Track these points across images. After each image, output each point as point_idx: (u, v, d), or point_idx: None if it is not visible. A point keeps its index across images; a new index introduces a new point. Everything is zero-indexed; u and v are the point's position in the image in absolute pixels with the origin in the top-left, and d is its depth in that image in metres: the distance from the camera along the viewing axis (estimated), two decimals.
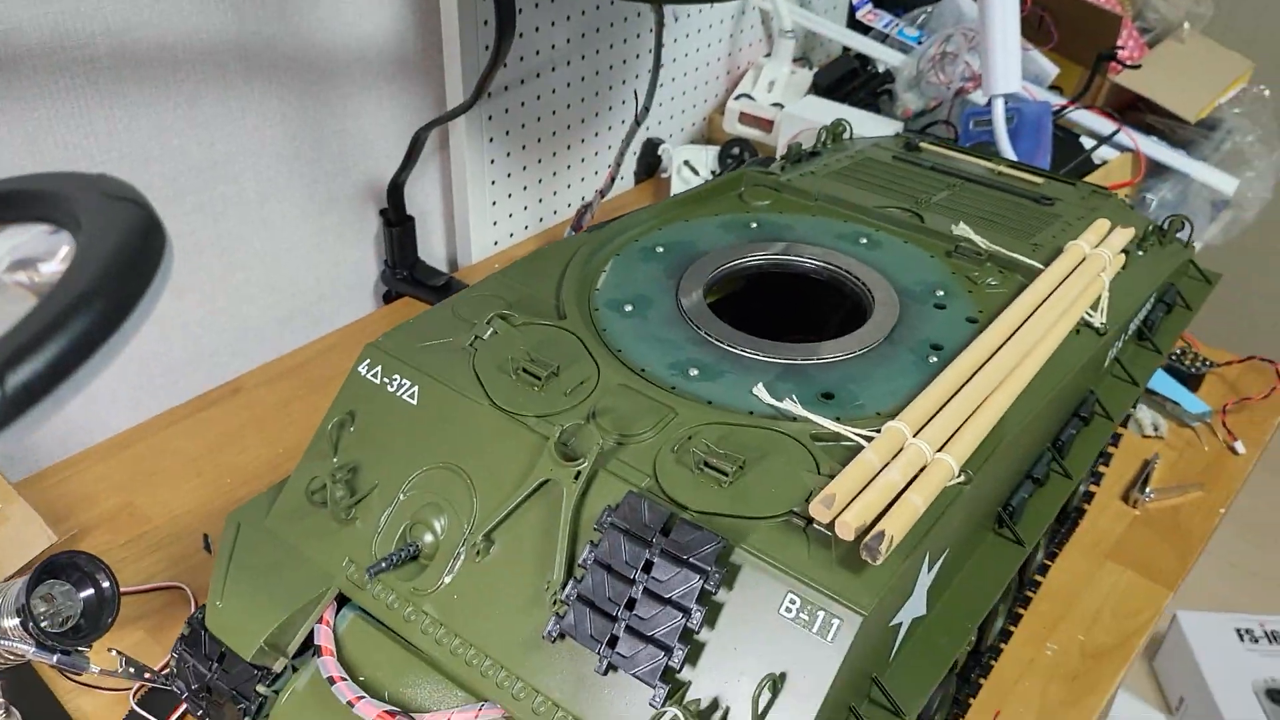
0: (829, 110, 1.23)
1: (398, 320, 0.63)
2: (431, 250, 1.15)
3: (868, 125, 1.21)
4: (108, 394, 0.91)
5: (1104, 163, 1.27)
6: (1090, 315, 0.66)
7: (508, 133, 1.12)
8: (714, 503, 0.49)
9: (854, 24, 1.51)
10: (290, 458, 0.87)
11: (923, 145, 0.90)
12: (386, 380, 0.59)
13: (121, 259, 0.25)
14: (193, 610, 0.73)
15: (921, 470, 0.51)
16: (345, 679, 0.53)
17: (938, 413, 0.54)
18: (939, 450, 0.52)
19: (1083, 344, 0.65)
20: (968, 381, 0.56)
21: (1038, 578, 0.78)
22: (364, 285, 1.10)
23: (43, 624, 0.54)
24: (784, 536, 0.48)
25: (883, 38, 1.44)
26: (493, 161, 1.12)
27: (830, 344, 0.61)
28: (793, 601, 0.46)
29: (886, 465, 0.50)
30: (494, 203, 1.14)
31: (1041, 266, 0.68)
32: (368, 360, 0.60)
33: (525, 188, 1.18)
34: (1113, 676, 0.72)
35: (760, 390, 0.56)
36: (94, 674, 0.57)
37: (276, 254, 1.00)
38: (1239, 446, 0.92)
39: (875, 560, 0.46)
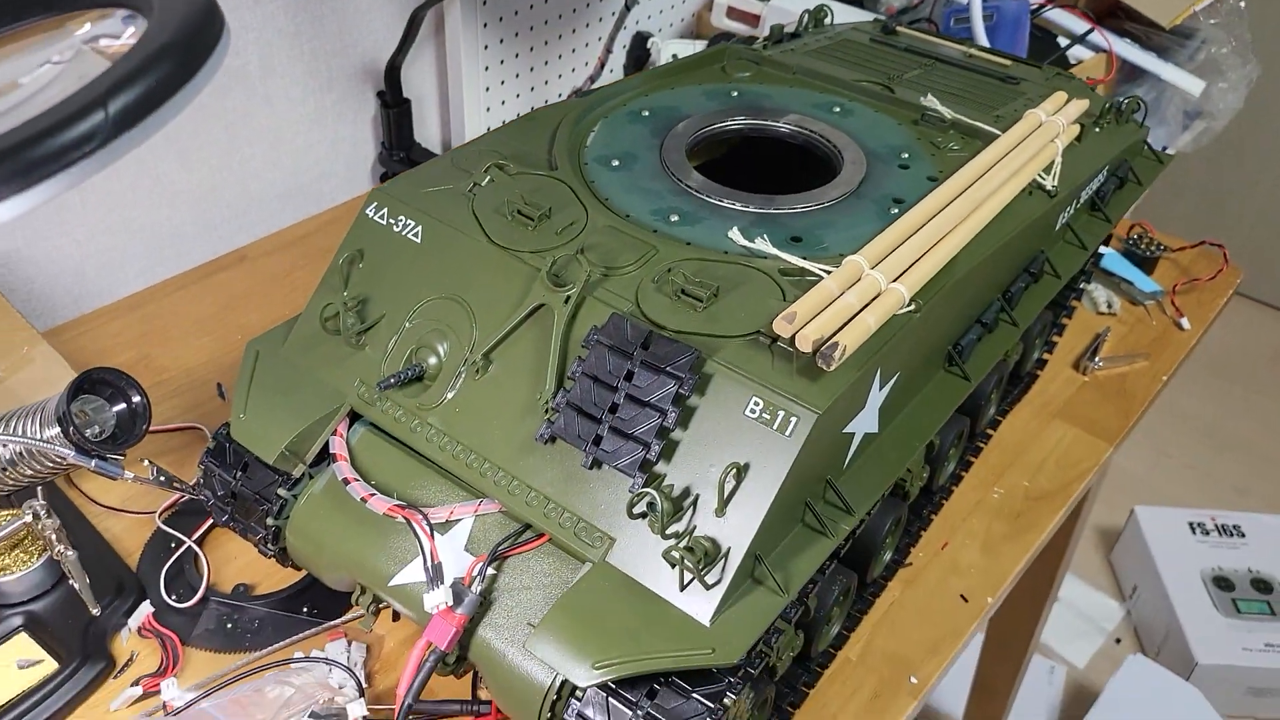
0: (812, 4, 1.26)
1: (413, 169, 0.68)
2: (427, 133, 1.19)
3: (851, 17, 1.24)
4: (120, 257, 0.96)
5: (1078, 62, 1.31)
6: (1043, 178, 0.72)
7: (501, 19, 1.15)
8: (689, 324, 0.55)
9: None
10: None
11: (899, 29, 0.94)
12: (393, 221, 0.64)
13: (190, 25, 0.30)
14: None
15: (876, 298, 0.56)
16: (358, 479, 0.59)
17: (894, 251, 0.60)
18: (892, 281, 0.57)
19: (1034, 203, 0.70)
20: (923, 227, 0.62)
21: (990, 431, 0.85)
22: (362, 165, 1.15)
23: (86, 432, 0.60)
24: (751, 351, 0.54)
25: None
26: (486, 47, 1.15)
27: (800, 196, 0.66)
28: (756, 404, 0.52)
29: (845, 292, 0.56)
30: (487, 89, 1.18)
31: (1000, 133, 0.73)
32: (375, 203, 0.65)
33: (518, 75, 1.21)
34: (1050, 516, 0.79)
35: (734, 233, 0.61)
36: (126, 479, 0.63)
37: (279, 130, 1.04)
38: (1184, 323, 0.98)
39: (829, 366, 0.52)
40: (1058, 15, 1.32)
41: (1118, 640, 1.81)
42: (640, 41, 1.36)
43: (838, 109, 0.77)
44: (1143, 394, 0.91)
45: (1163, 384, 0.93)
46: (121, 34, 0.32)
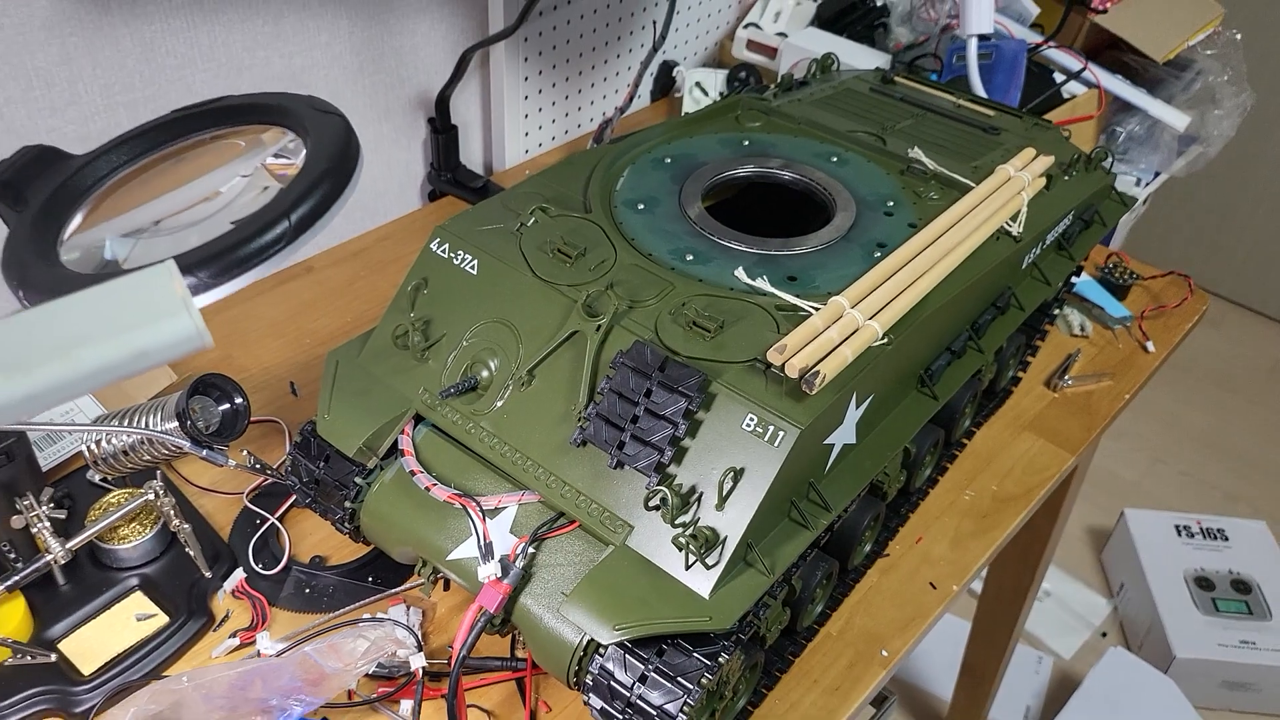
0: (825, 41, 1.37)
1: (442, 216, 0.80)
2: (471, 155, 1.32)
3: (859, 56, 1.35)
4: None
5: (1073, 97, 1.41)
6: (1010, 225, 0.83)
7: (540, 53, 1.27)
8: (699, 350, 0.67)
9: None
10: (357, 324, 1.05)
11: (896, 79, 1.06)
12: (452, 255, 0.76)
13: (339, 150, 0.42)
14: (288, 436, 0.92)
15: (854, 332, 0.68)
16: (422, 471, 0.71)
17: (873, 292, 0.71)
18: (869, 319, 0.69)
19: (1000, 247, 0.81)
20: (899, 270, 0.74)
21: (965, 441, 0.96)
22: (413, 184, 1.27)
23: (197, 425, 0.72)
24: (749, 375, 0.66)
25: None
26: (526, 79, 1.27)
27: (797, 240, 0.78)
28: (752, 419, 0.64)
29: (829, 327, 0.68)
30: (526, 115, 1.30)
31: (974, 185, 0.84)
32: (438, 239, 0.77)
33: (554, 103, 1.33)
34: (1014, 517, 0.91)
35: (740, 272, 0.73)
36: (230, 467, 0.75)
37: None
38: (1150, 346, 1.09)
39: (811, 390, 0.63)
40: (1055, 54, 1.43)
41: (1104, 634, 1.92)
42: (666, 70, 1.48)
43: (835, 158, 0.88)
44: (1105, 410, 1.02)
45: (1124, 402, 1.04)
46: (288, 154, 0.44)
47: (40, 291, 0.37)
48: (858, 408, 0.69)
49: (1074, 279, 1.08)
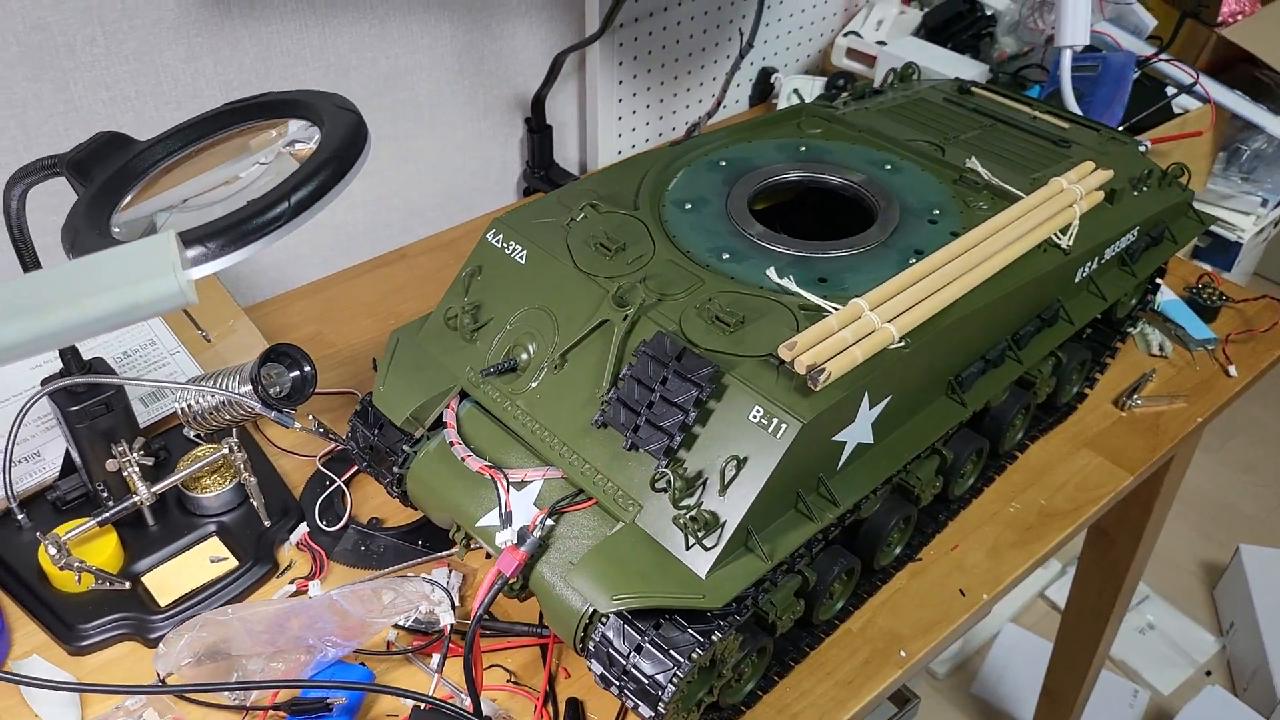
0: (925, 50, 1.37)
1: (528, 202, 0.86)
2: (565, 154, 1.38)
3: (958, 67, 1.35)
4: (309, 251, 1.18)
5: (1184, 112, 1.37)
6: (1059, 238, 0.83)
7: (635, 58, 1.32)
8: (717, 344, 0.70)
9: None
10: None
11: (974, 89, 1.06)
12: (505, 245, 0.81)
13: (346, 142, 0.47)
14: None
15: (870, 334, 0.70)
16: (461, 443, 0.77)
17: (896, 296, 0.73)
18: (888, 321, 0.71)
19: (1046, 259, 0.81)
20: (928, 275, 0.75)
21: (1016, 453, 0.96)
22: (508, 180, 1.34)
23: (270, 390, 0.80)
24: (761, 369, 0.68)
25: None
26: (621, 82, 1.32)
27: (836, 243, 0.80)
28: (758, 411, 0.67)
29: (843, 328, 0.70)
30: (620, 117, 1.35)
31: (1024, 196, 0.84)
32: (494, 230, 0.82)
33: (648, 105, 1.38)
34: (1058, 532, 0.90)
35: (771, 271, 0.76)
36: (295, 428, 0.83)
37: (440, 150, 1.24)
38: (1232, 370, 1.06)
39: (815, 386, 0.66)
40: (1167, 66, 1.38)
41: (1208, 673, 1.84)
42: (764, 76, 1.50)
43: (889, 166, 0.89)
44: (1174, 433, 0.99)
45: (1196, 425, 1.01)
46: (308, 140, 0.50)
47: (85, 253, 0.44)
48: (872, 408, 0.71)
49: (1151, 296, 1.05)
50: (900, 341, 0.71)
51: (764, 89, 1.51)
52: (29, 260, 0.68)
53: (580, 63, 1.31)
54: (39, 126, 0.95)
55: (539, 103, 1.26)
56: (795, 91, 1.45)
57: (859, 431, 0.72)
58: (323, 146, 0.47)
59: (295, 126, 0.51)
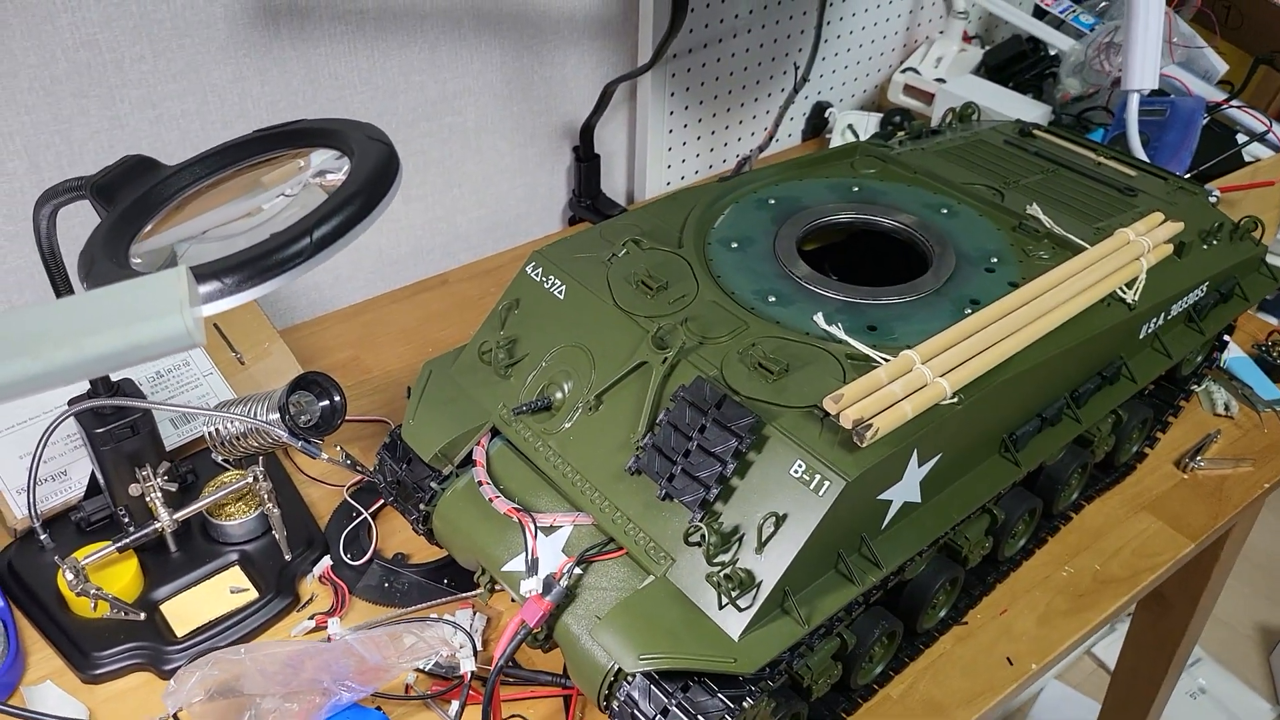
0: (985, 89, 1.34)
1: (568, 236, 0.83)
2: (613, 184, 1.36)
3: (1020, 107, 1.31)
4: (349, 273, 1.17)
5: (1255, 160, 1.31)
6: (1124, 292, 0.78)
7: (687, 89, 1.30)
8: (759, 392, 0.67)
9: (1037, 8, 1.58)
10: None
11: (1036, 132, 1.02)
12: (544, 279, 0.79)
13: (375, 176, 0.45)
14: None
15: (921, 389, 0.66)
16: (490, 483, 0.74)
17: (950, 348, 0.69)
18: (940, 376, 0.67)
19: (1110, 314, 0.77)
20: (985, 328, 0.71)
21: (1071, 514, 0.91)
22: (554, 208, 1.32)
23: (298, 419, 0.78)
24: (804, 421, 0.65)
25: (1058, 23, 1.51)
26: (671, 113, 1.30)
27: (887, 289, 0.77)
28: (800, 465, 0.63)
29: (893, 381, 0.66)
30: (669, 149, 1.33)
31: (1089, 246, 0.80)
32: (533, 263, 0.80)
33: (699, 138, 1.35)
34: (1114, 600, 0.85)
35: (817, 317, 0.73)
36: (322, 459, 0.81)
37: (486, 176, 1.23)
38: None
39: (861, 443, 0.62)
40: (1236, 113, 1.33)
41: None
42: (818, 111, 1.47)
43: (945, 210, 0.86)
44: (1238, 499, 0.94)
45: (1263, 491, 0.95)
46: (338, 170, 0.48)
47: (99, 284, 0.43)
48: (920, 466, 0.68)
49: (1218, 353, 1.00)
50: (953, 397, 0.67)
51: (817, 124, 1.48)
52: (59, 281, 0.67)
53: (631, 92, 1.29)
54: (85, 143, 0.94)
55: (588, 131, 1.24)
56: (850, 127, 1.42)
57: (906, 490, 0.68)
58: (350, 180, 0.45)
59: (324, 156, 0.49)
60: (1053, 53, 1.47)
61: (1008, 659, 0.81)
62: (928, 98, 1.42)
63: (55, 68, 0.89)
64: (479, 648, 0.78)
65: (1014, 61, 1.45)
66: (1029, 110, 1.29)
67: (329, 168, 0.49)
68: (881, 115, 1.43)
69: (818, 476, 0.62)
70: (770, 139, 1.25)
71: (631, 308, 0.74)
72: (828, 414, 0.65)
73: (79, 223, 0.95)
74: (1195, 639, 1.28)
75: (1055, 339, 0.73)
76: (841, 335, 0.71)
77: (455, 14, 1.10)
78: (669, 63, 1.24)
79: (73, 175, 0.93)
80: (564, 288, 0.78)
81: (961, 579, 0.80)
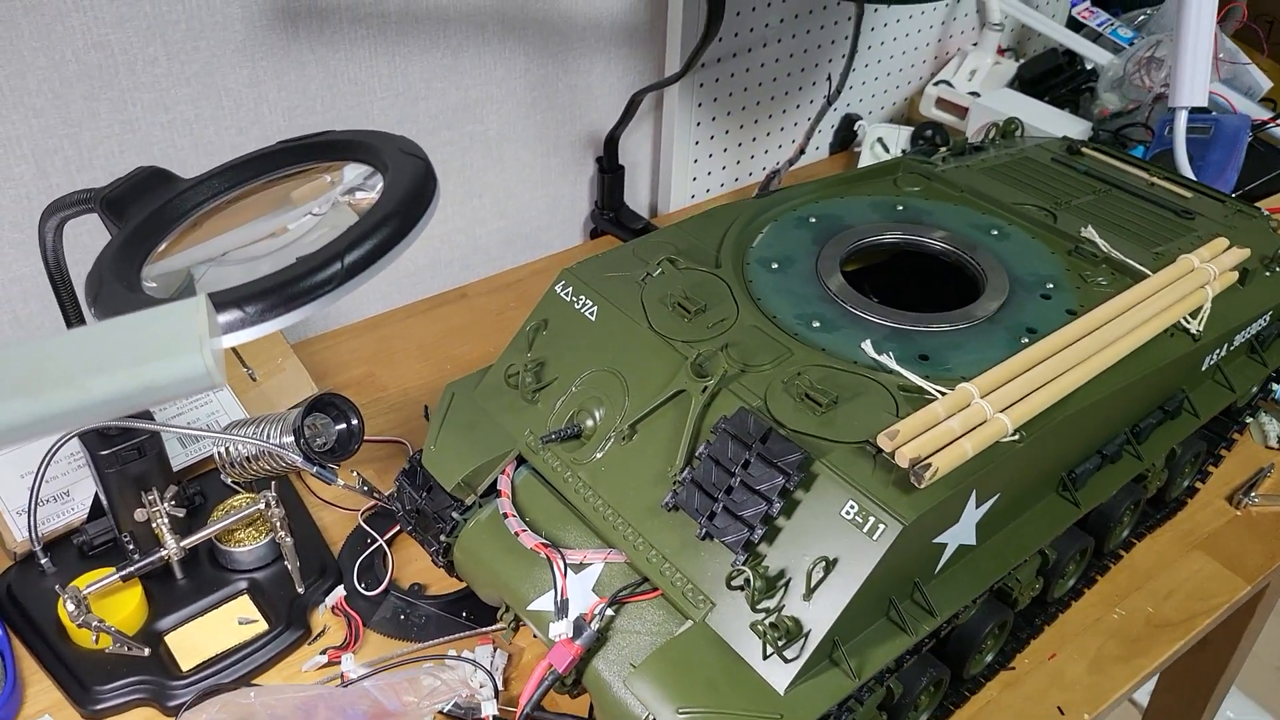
0: (1020, 104, 1.29)
1: (600, 253, 0.79)
2: (636, 196, 1.32)
3: (1057, 122, 1.27)
4: (364, 286, 1.12)
5: None
6: (1188, 322, 0.74)
7: (715, 100, 1.26)
8: (806, 425, 0.63)
9: (1071, 20, 1.54)
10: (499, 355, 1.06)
11: (1084, 150, 0.98)
12: (574, 299, 0.75)
13: (411, 195, 0.41)
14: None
15: (980, 425, 0.62)
16: (515, 515, 0.70)
17: (1010, 381, 0.65)
18: (1000, 411, 0.63)
19: (1173, 346, 0.73)
20: (1045, 360, 0.67)
21: (1122, 552, 0.87)
22: (575, 220, 1.28)
23: (313, 443, 0.74)
24: (856, 458, 0.61)
25: (1095, 36, 1.47)
26: (699, 124, 1.26)
27: (937, 315, 0.72)
28: (852, 506, 0.59)
29: (951, 416, 0.62)
30: (695, 160, 1.29)
31: (1150, 273, 0.76)
32: (563, 282, 0.76)
33: (725, 150, 1.31)
34: (1169, 646, 0.81)
35: (866, 345, 0.68)
36: (338, 486, 0.77)
37: (507, 186, 1.19)
38: None
39: (919, 484, 0.58)
40: None
41: None
42: (848, 124, 1.43)
43: (995, 231, 0.82)
44: None
45: None
46: (370, 189, 0.44)
47: (107, 311, 0.39)
48: (978, 507, 0.63)
49: (1274, 385, 0.96)
50: (1014, 435, 0.63)
51: (845, 137, 1.44)
52: (65, 296, 0.63)
53: (657, 102, 1.25)
54: (95, 148, 0.90)
55: (612, 142, 1.20)
56: (879, 141, 1.38)
57: (962, 533, 0.64)
58: (384, 199, 0.41)
59: (355, 172, 0.45)
60: (1089, 67, 1.42)
61: (1059, 709, 0.76)
62: (961, 111, 1.38)
63: (65, 69, 0.86)
64: (500, 688, 0.74)
65: (1050, 75, 1.41)
66: (1069, 126, 1.25)
67: (360, 185, 0.45)
68: (912, 129, 1.39)
69: (871, 519, 0.58)
70: (800, 151, 1.21)
71: (668, 331, 0.70)
72: (881, 450, 0.60)
73: (86, 230, 0.91)
74: (1233, 679, 1.23)
75: (1119, 372, 0.69)
76: (893, 365, 0.67)
77: (480, 19, 1.06)
78: (697, 72, 1.20)
79: (81, 181, 0.90)
80: (595, 308, 0.74)
81: (1011, 622, 0.76)
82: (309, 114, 1.01)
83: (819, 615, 0.59)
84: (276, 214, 0.46)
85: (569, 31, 1.13)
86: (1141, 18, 1.47)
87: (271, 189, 0.47)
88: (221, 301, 0.37)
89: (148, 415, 0.74)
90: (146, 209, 0.45)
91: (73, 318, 0.65)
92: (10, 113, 0.85)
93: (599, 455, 0.69)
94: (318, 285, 0.38)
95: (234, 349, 0.94)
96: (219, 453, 0.80)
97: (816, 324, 0.72)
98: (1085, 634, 0.81)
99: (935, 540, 0.62)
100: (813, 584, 0.59)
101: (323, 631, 0.79)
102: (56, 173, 0.89)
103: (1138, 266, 0.77)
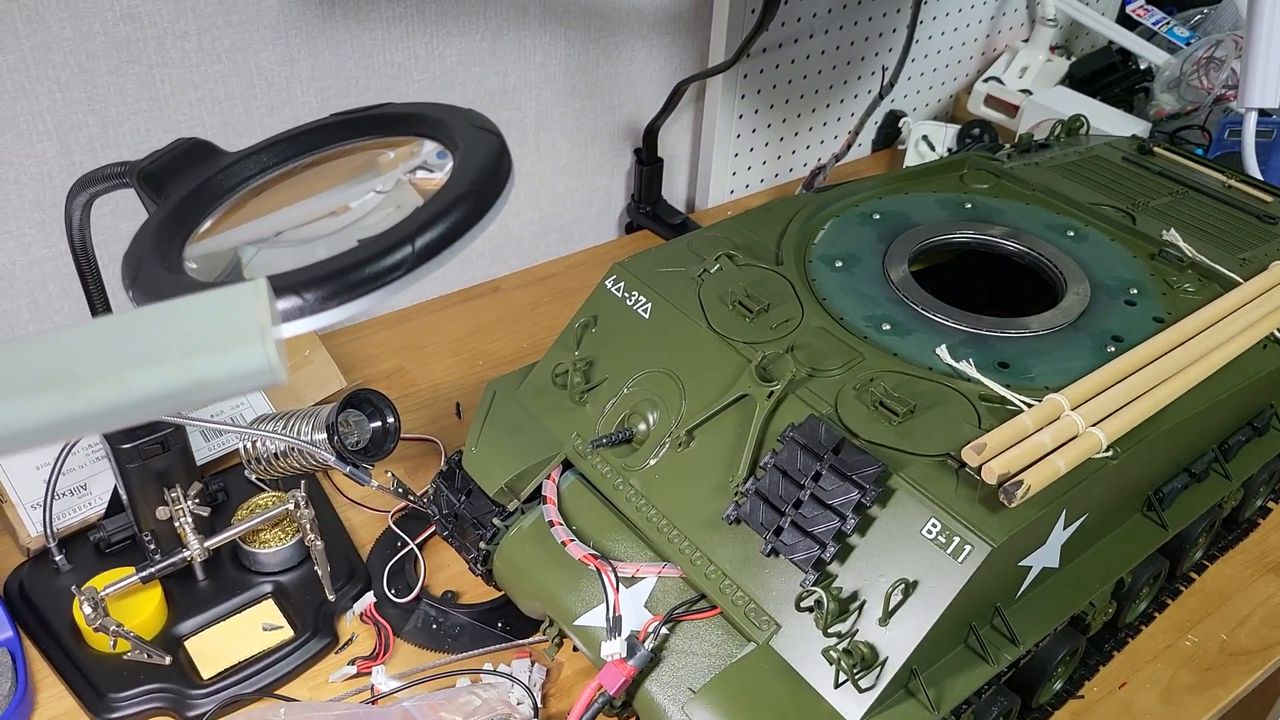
0: (1076, 102, 1.25)
1: (636, 248, 0.75)
2: (674, 190, 1.27)
3: (1113, 122, 1.22)
4: None
5: None
6: None
7: (759, 91, 1.21)
8: (882, 436, 0.58)
9: (1124, 18, 1.49)
10: (533, 351, 1.02)
11: (1156, 150, 0.93)
12: (626, 295, 0.71)
13: (486, 173, 0.37)
14: (442, 460, 0.89)
15: (1072, 439, 0.57)
16: (562, 524, 0.66)
17: (1101, 393, 0.60)
18: (1093, 425, 0.58)
19: (1266, 357, 0.68)
20: (1137, 370, 0.62)
21: (1193, 574, 0.82)
22: (611, 214, 1.24)
23: (346, 441, 0.70)
24: (937, 473, 0.56)
25: (1150, 35, 1.42)
26: (741, 117, 1.21)
27: (1016, 320, 0.68)
28: (934, 525, 0.54)
29: (1040, 430, 0.57)
30: (736, 155, 1.24)
31: (1241, 280, 0.71)
32: (614, 276, 0.72)
33: (767, 144, 1.27)
34: (1245, 676, 0.76)
35: (942, 350, 0.64)
36: (372, 487, 0.72)
37: (543, 176, 1.14)
38: None
39: (1010, 503, 0.53)
40: None
41: None
42: (892, 120, 1.39)
43: (1072, 233, 0.77)
44: None
45: None
46: (435, 169, 0.40)
47: (146, 294, 0.35)
48: (1065, 528, 0.59)
49: None
50: (1107, 450, 0.58)
51: (889, 134, 1.40)
52: (91, 279, 0.58)
53: (698, 94, 1.21)
54: (120, 125, 0.86)
55: (652, 133, 1.16)
56: (924, 138, 1.33)
57: (1047, 555, 0.59)
58: (456, 177, 0.36)
59: (423, 149, 0.41)
60: (1143, 66, 1.38)
61: None
62: (1011, 110, 1.33)
63: (92, 42, 0.82)
64: (539, 705, 0.69)
65: (1103, 74, 1.36)
66: (1129, 127, 1.20)
67: (425, 162, 0.41)
68: (959, 127, 1.34)
69: (956, 539, 0.54)
70: (849, 146, 1.16)
71: (729, 331, 0.66)
72: (965, 465, 0.56)
73: (109, 211, 0.87)
74: None
75: (1212, 385, 0.64)
76: (972, 373, 0.62)
77: (521, 1, 1.02)
78: (742, 63, 1.16)
79: (106, 159, 0.85)
80: (649, 305, 0.69)
81: (1082, 649, 0.71)
82: (343, 95, 0.97)
83: (896, 642, 0.54)
84: (336, 190, 0.42)
85: (612, 16, 1.09)
86: (1197, 17, 1.42)
87: (327, 164, 0.43)
88: (278, 286, 0.32)
89: None
90: (189, 184, 0.41)
91: (97, 302, 0.61)
92: (34, 86, 0.81)
93: (653, 462, 0.65)
94: (386, 270, 0.33)
95: None
96: (244, 447, 0.76)
97: (887, 326, 0.67)
98: (1156, 661, 0.77)
99: (1020, 563, 0.57)
100: (890, 607, 0.54)
101: (350, 640, 0.75)
102: (80, 150, 0.85)
103: (1227, 273, 0.72)
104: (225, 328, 0.28)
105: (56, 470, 0.73)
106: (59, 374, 0.27)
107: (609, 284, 0.72)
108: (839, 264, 0.73)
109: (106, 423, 0.27)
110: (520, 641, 0.75)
